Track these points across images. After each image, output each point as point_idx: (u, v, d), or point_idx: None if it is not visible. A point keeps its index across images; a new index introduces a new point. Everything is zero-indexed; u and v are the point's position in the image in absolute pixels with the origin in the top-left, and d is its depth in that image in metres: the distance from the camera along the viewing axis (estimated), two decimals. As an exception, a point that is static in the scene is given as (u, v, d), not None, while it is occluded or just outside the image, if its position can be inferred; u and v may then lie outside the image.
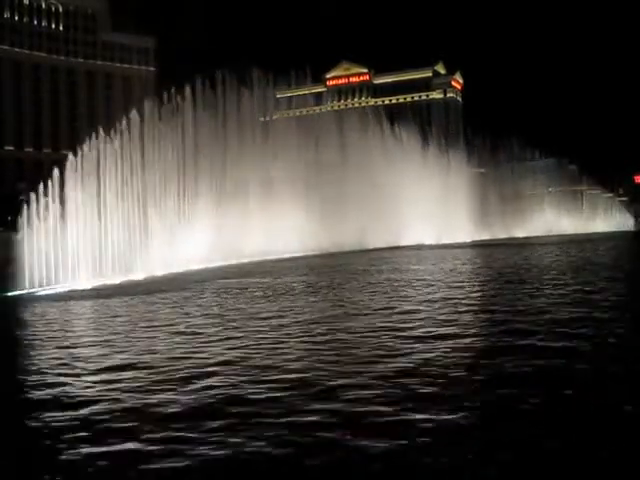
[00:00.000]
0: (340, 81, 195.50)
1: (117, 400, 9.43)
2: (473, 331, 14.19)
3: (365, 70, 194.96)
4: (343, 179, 64.66)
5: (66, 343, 14.92)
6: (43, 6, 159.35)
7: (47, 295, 29.49)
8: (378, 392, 9.16)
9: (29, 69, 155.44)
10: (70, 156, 38.63)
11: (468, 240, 79.93)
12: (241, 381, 10.23)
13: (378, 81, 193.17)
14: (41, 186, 35.97)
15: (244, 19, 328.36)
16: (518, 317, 15.42)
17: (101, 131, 41.04)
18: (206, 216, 48.29)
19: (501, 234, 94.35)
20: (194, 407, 8.89)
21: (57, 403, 9.49)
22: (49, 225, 36.08)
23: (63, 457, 7.19)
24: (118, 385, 10.37)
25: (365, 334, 13.95)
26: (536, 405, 8.37)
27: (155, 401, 9.27)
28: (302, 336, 14.10)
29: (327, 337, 13.92)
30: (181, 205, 48.28)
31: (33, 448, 7.66)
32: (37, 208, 35.49)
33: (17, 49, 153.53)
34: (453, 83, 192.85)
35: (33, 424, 8.56)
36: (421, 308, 17.65)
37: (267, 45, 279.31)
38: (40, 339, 15.77)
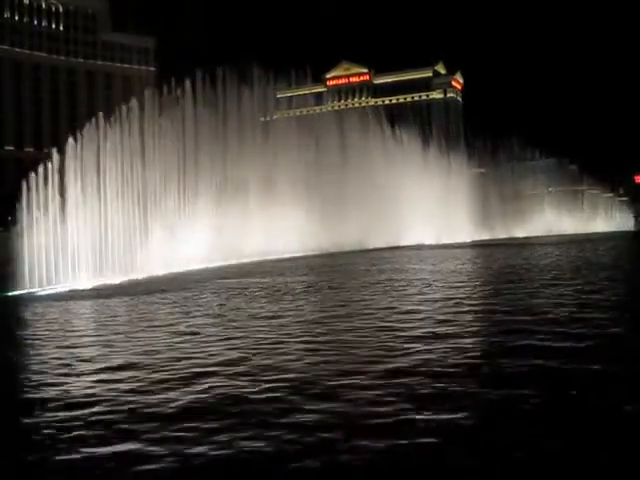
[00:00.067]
0: (340, 81, 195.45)
1: (117, 400, 9.43)
2: (473, 331, 14.19)
3: (365, 70, 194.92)
4: (343, 179, 64.69)
5: (66, 343, 14.92)
6: (43, 6, 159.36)
7: (47, 295, 29.50)
8: (378, 392, 9.15)
9: (29, 69, 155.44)
10: (69, 149, 38.62)
11: (468, 240, 79.95)
12: (241, 381, 10.22)
13: (378, 81, 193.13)
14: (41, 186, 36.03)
15: (244, 19, 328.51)
16: (518, 317, 15.41)
17: (101, 128, 41.12)
18: (206, 216, 48.32)
19: (501, 234, 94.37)
20: (194, 407, 8.89)
21: (57, 403, 9.49)
22: (49, 225, 36.12)
23: (63, 457, 7.18)
24: (118, 385, 10.37)
25: (365, 334, 13.95)
26: (536, 405, 8.36)
27: (155, 401, 9.27)
28: (302, 336, 14.10)
29: (327, 337, 13.92)
30: (181, 204, 48.31)
31: (33, 448, 7.66)
32: (37, 208, 35.53)
33: (17, 49, 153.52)
34: (453, 83, 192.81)
35: (33, 424, 8.56)
36: (421, 308, 17.65)
37: (267, 45, 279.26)
38: (40, 339, 15.77)
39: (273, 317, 17.34)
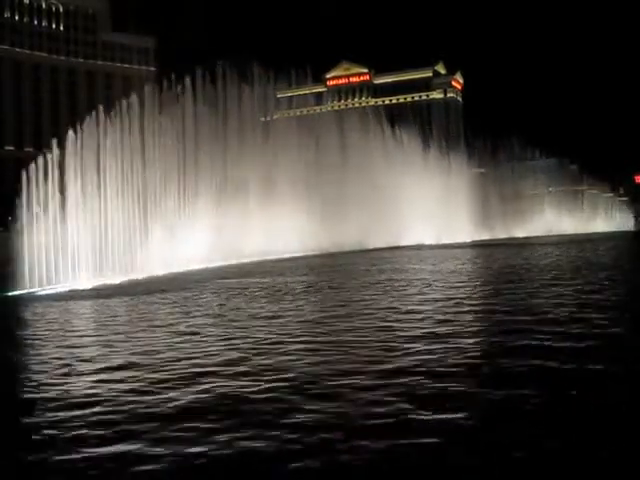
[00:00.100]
0: (340, 81, 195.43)
1: (117, 400, 9.43)
2: (473, 331, 14.18)
3: (365, 70, 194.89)
4: (343, 179, 64.69)
5: (66, 343, 14.92)
6: (43, 6, 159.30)
7: (47, 295, 29.50)
8: (378, 392, 9.15)
9: (29, 69, 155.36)
10: (69, 144, 38.65)
11: (468, 240, 79.96)
12: (241, 381, 10.22)
13: (378, 81, 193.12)
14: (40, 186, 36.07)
15: (244, 19, 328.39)
16: (518, 317, 15.41)
17: (101, 124, 41.16)
18: (206, 216, 48.31)
19: (501, 234, 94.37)
20: (194, 407, 8.89)
21: (57, 403, 9.49)
22: (49, 222, 36.14)
23: (63, 457, 7.18)
24: (118, 385, 10.37)
25: (366, 334, 13.95)
26: (536, 405, 8.36)
27: (155, 401, 9.27)
28: (302, 336, 14.10)
29: (328, 337, 13.91)
30: (181, 204, 48.31)
31: (33, 448, 7.66)
32: (37, 204, 35.57)
33: (17, 49, 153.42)
34: (453, 83, 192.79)
35: (33, 424, 8.56)
36: (421, 308, 17.65)
37: (267, 45, 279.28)
38: (40, 339, 15.78)
39: (273, 317, 17.34)
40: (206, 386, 9.99)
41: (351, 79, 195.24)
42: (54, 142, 38.01)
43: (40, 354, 13.86)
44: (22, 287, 32.35)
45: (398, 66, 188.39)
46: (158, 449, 7.22)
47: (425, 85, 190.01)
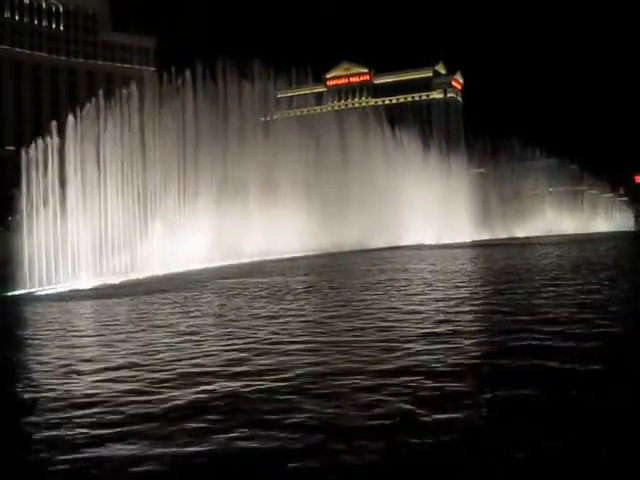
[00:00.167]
0: (340, 81, 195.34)
1: (117, 400, 9.43)
2: (473, 331, 14.17)
3: (365, 70, 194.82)
4: (344, 179, 64.69)
5: (66, 343, 14.93)
6: (43, 6, 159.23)
7: (47, 295, 29.50)
8: (378, 392, 9.15)
9: (29, 69, 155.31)
10: (69, 132, 38.65)
11: (468, 240, 79.98)
12: (241, 381, 10.22)
13: (378, 81, 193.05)
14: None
15: (244, 19, 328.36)
16: (518, 317, 15.41)
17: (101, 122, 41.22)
18: (206, 215, 48.31)
19: (501, 234, 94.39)
20: (194, 407, 8.88)
21: (57, 403, 9.49)
22: (49, 224, 36.15)
23: (63, 457, 7.18)
24: (118, 385, 10.37)
25: (366, 334, 13.95)
26: (536, 405, 8.36)
27: (155, 401, 9.27)
28: (302, 336, 14.10)
29: (328, 337, 13.92)
30: (181, 204, 48.31)
31: (33, 448, 7.65)
32: (36, 208, 35.60)
33: (17, 49, 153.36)
34: (453, 83, 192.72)
35: (33, 424, 8.56)
36: (422, 308, 17.65)
37: (267, 46, 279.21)
38: (40, 339, 15.78)
39: (274, 317, 17.34)
40: (206, 386, 9.99)
41: (351, 79, 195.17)
42: (53, 125, 38.05)
43: (40, 354, 13.86)
44: (22, 287, 32.36)
45: (398, 66, 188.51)
46: (158, 449, 7.22)
47: (425, 85, 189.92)
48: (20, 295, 30.19)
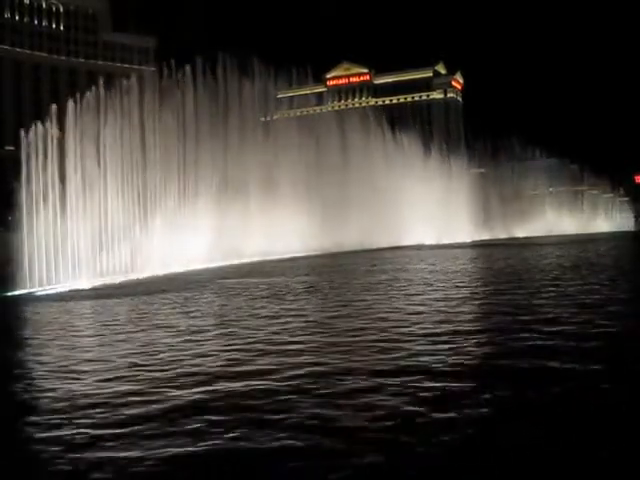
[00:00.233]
0: (340, 81, 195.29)
1: (117, 400, 9.43)
2: (473, 331, 14.16)
3: (365, 70, 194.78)
4: (344, 180, 64.71)
5: (66, 343, 14.92)
6: (44, 6, 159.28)
7: (47, 295, 29.51)
8: (378, 392, 9.15)
9: (29, 69, 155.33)
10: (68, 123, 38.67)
11: (468, 240, 80.00)
12: (242, 381, 10.22)
13: (378, 81, 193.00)
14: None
15: (244, 19, 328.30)
16: (519, 317, 15.41)
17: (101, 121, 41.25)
18: (206, 215, 48.31)
19: (501, 234, 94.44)
20: (194, 407, 8.89)
21: (57, 403, 9.49)
22: (49, 224, 36.16)
23: (63, 457, 7.18)
24: (118, 385, 10.37)
25: (366, 334, 13.95)
26: (536, 405, 8.36)
27: (155, 401, 9.27)
28: (303, 336, 14.10)
29: (329, 337, 13.92)
30: (181, 204, 48.30)
31: (33, 449, 7.66)
32: (36, 208, 35.64)
33: (18, 49, 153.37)
34: (453, 83, 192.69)
35: (33, 424, 8.56)
36: (422, 308, 17.64)
37: (268, 46, 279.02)
38: (40, 339, 15.78)
39: (274, 317, 17.34)
40: (206, 386, 9.99)
41: (351, 79, 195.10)
42: (53, 108, 38.11)
43: (40, 354, 13.86)
44: (22, 287, 32.37)
45: (398, 66, 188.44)
46: (158, 449, 7.22)
47: (425, 85, 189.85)
48: (20, 295, 30.20)
